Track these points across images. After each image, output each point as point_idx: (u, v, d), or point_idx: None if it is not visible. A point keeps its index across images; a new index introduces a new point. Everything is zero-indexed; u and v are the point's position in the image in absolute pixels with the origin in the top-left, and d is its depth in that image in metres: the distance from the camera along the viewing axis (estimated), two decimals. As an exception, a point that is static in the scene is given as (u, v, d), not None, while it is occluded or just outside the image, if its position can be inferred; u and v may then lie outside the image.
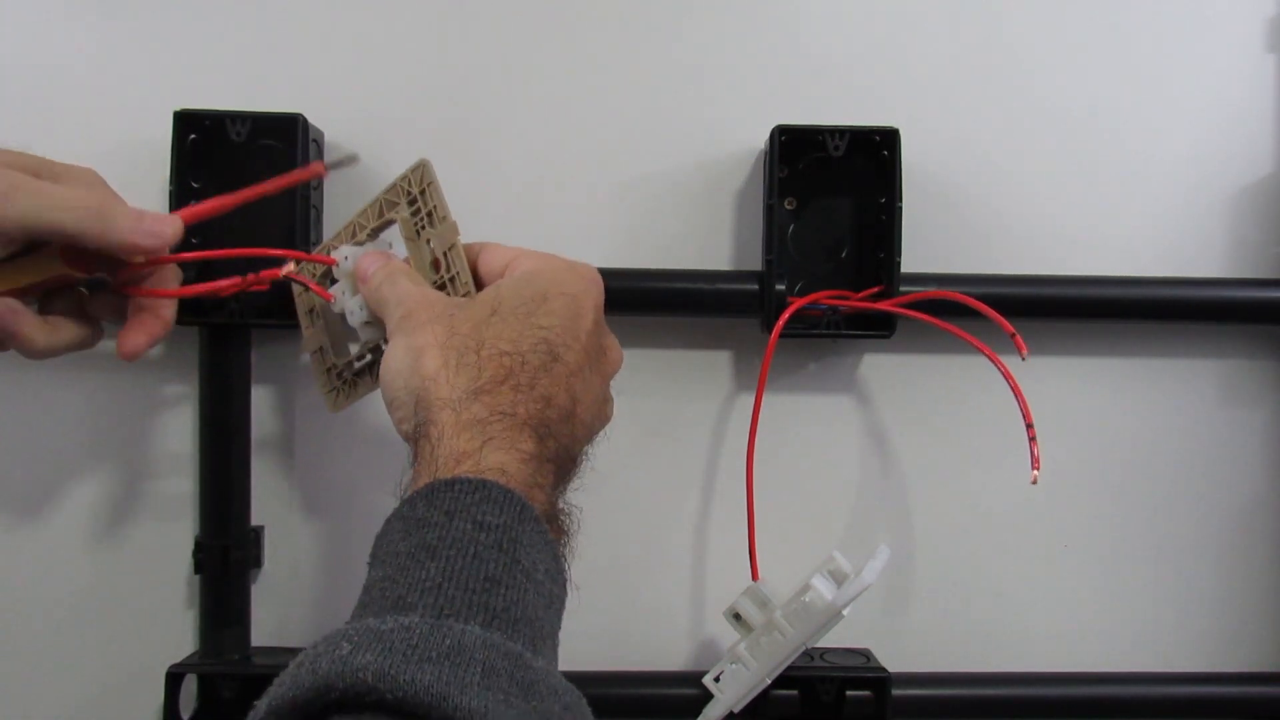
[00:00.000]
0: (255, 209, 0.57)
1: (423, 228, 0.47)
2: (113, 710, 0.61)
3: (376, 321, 0.47)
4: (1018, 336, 0.50)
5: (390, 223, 0.49)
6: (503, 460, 0.37)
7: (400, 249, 0.49)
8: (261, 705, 0.29)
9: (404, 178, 0.48)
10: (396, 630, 0.30)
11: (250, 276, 0.49)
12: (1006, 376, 0.52)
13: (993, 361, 0.52)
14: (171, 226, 0.46)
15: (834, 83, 0.61)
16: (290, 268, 0.48)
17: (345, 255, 0.48)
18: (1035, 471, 0.49)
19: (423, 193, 0.47)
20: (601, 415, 0.45)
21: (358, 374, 0.50)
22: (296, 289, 0.52)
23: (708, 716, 0.55)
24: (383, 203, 0.49)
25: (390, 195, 0.49)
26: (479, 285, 0.46)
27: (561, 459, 0.41)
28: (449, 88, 0.60)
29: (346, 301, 0.48)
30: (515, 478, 0.37)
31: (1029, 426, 0.50)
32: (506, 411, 0.38)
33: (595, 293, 0.45)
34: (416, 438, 0.39)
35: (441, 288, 0.46)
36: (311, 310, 0.52)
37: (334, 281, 0.50)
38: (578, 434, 0.42)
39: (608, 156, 0.61)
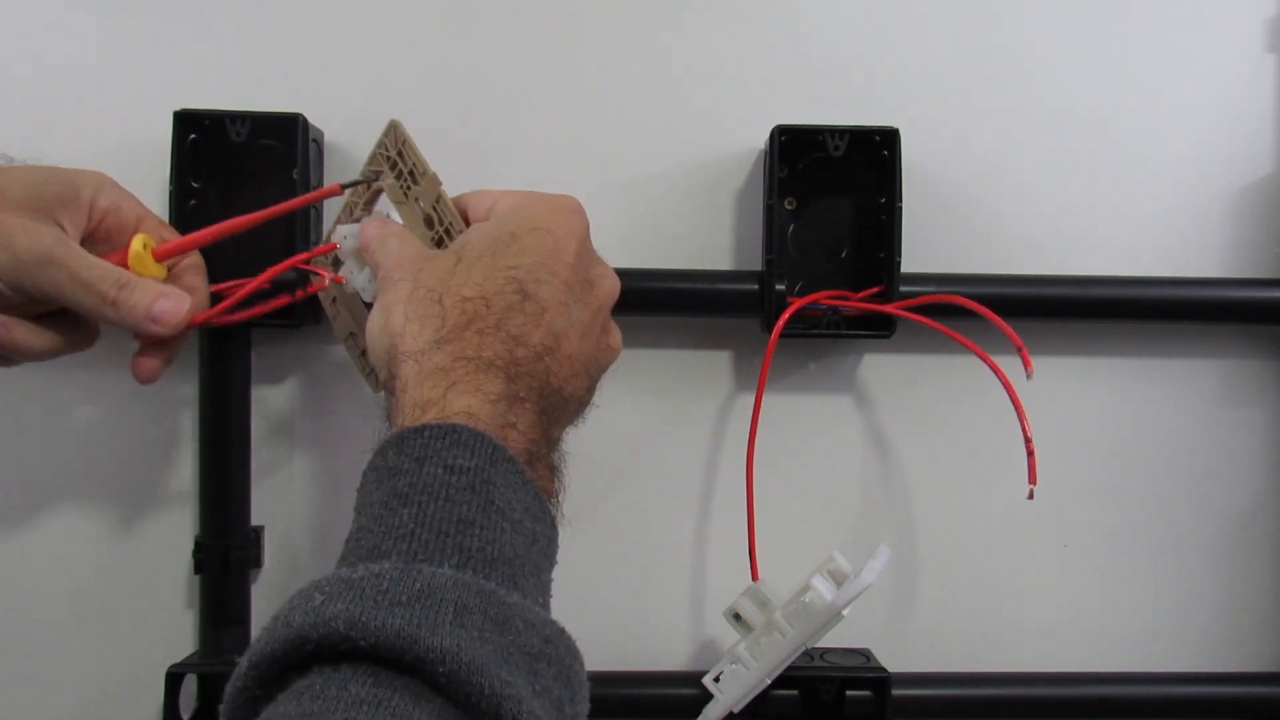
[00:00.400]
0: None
1: (408, 188, 0.47)
2: (113, 710, 0.61)
3: None
4: (1024, 350, 0.50)
5: (379, 192, 0.49)
6: (468, 404, 0.37)
7: (396, 217, 0.49)
8: (243, 662, 0.30)
9: (380, 144, 0.48)
10: (367, 578, 0.30)
11: (270, 303, 0.52)
12: (1008, 388, 0.51)
13: (995, 373, 0.52)
14: (185, 310, 0.47)
15: (834, 83, 0.61)
16: (323, 283, 0.50)
17: (344, 235, 0.49)
18: (1032, 486, 0.49)
19: (400, 153, 0.47)
20: (601, 348, 0.44)
21: None
22: (313, 280, 0.53)
23: (708, 716, 0.55)
24: (367, 177, 0.49)
25: (372, 166, 0.49)
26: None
27: (544, 396, 0.40)
28: (449, 87, 0.60)
29: (356, 279, 0.49)
30: (484, 420, 0.37)
31: (1027, 441, 0.50)
32: (470, 356, 0.38)
33: (576, 223, 0.44)
34: (387, 386, 0.41)
35: (440, 243, 0.46)
36: (335, 300, 0.53)
37: (340, 264, 0.51)
38: (561, 370, 0.41)
39: (608, 156, 0.61)
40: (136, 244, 0.47)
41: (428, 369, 0.38)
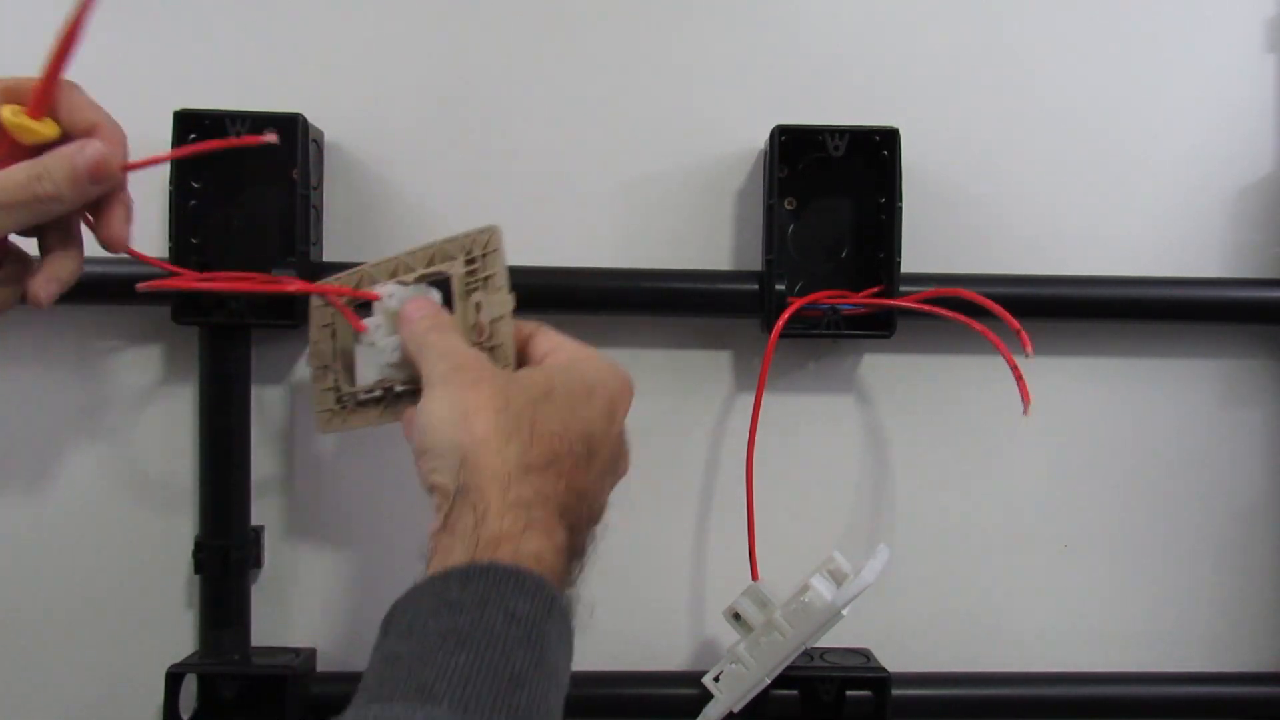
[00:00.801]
0: (255, 209, 0.58)
1: (474, 289, 0.47)
2: (113, 710, 0.61)
3: (405, 365, 0.46)
4: (1023, 332, 0.50)
5: (441, 274, 0.47)
6: (540, 548, 0.38)
7: (434, 298, 0.48)
8: None
9: (469, 235, 0.47)
10: None
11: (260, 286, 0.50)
12: (1004, 354, 0.52)
13: (992, 341, 0.52)
14: (107, 148, 0.44)
15: (834, 83, 0.61)
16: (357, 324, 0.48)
17: (390, 293, 0.47)
18: (1027, 402, 0.51)
19: (484, 256, 0.47)
20: (603, 516, 0.45)
21: (361, 404, 0.49)
22: (318, 303, 0.51)
23: (708, 716, 0.55)
24: (438, 252, 0.48)
25: (448, 246, 0.48)
26: (519, 365, 0.46)
27: (580, 553, 0.42)
28: (449, 87, 0.60)
29: (381, 338, 0.47)
30: (548, 566, 0.38)
31: (1015, 368, 0.52)
32: (550, 496, 0.39)
33: (628, 398, 0.46)
34: (455, 498, 0.39)
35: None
36: (328, 325, 0.51)
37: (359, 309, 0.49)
38: (593, 531, 0.43)
39: (608, 156, 0.61)
40: (6, 113, 0.43)
41: (512, 499, 0.38)
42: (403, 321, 0.46)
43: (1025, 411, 0.50)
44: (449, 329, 0.45)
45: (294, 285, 0.50)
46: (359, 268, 0.50)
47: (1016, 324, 0.50)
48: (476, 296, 0.46)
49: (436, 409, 0.41)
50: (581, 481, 0.41)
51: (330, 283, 0.50)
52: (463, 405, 0.40)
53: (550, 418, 0.41)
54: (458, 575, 0.36)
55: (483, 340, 0.46)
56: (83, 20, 0.44)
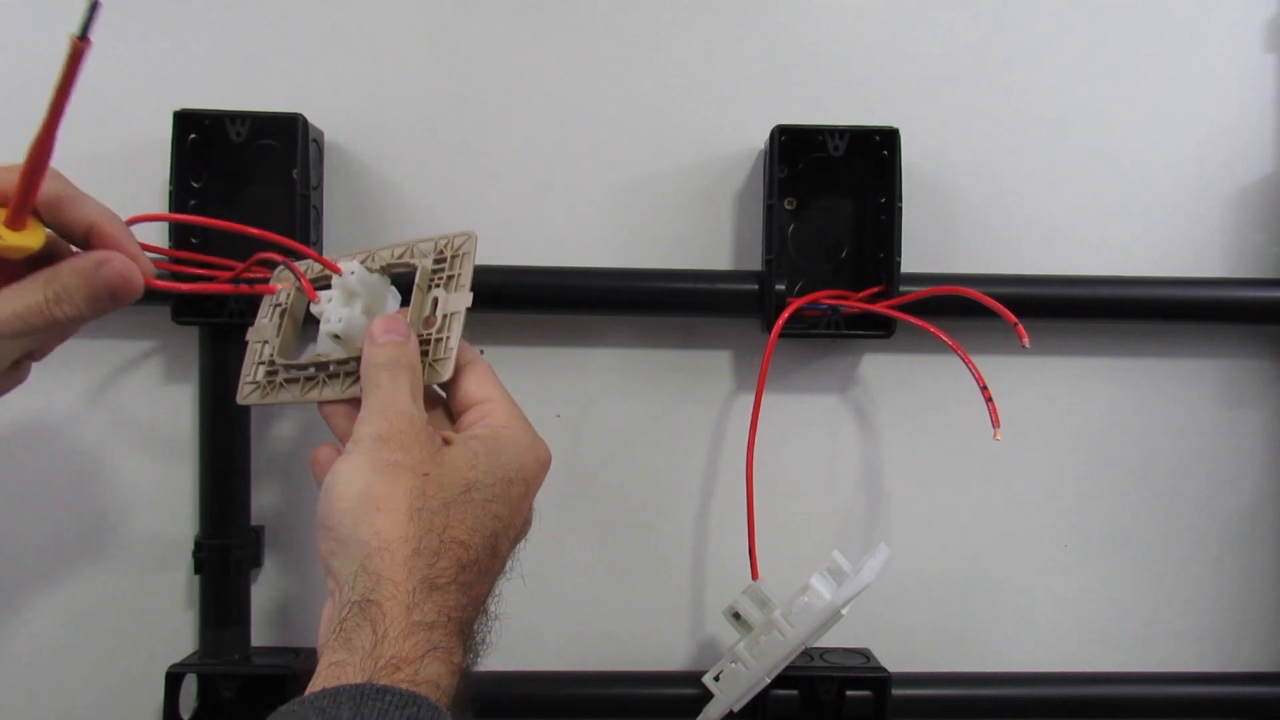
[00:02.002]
0: (255, 209, 0.58)
1: (436, 285, 0.47)
2: (113, 710, 0.61)
3: (347, 343, 0.45)
4: (1020, 325, 0.50)
5: (409, 268, 0.47)
6: (439, 673, 0.36)
7: (394, 295, 0.48)
8: None
9: (445, 237, 0.47)
10: None
11: (246, 287, 0.48)
12: (978, 379, 0.52)
13: (965, 362, 0.52)
14: (134, 266, 0.40)
15: (834, 83, 0.61)
16: (286, 280, 0.47)
17: (352, 270, 0.46)
18: (996, 428, 0.51)
19: (455, 257, 0.47)
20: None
21: (289, 380, 0.48)
22: (278, 278, 0.50)
23: (708, 716, 0.55)
24: (410, 248, 0.48)
25: (422, 245, 0.48)
26: (452, 397, 0.45)
27: (473, 650, 0.41)
28: (449, 87, 0.60)
29: (330, 309, 0.46)
30: (445, 692, 0.37)
31: (984, 389, 0.52)
32: (453, 616, 0.38)
33: (543, 476, 0.44)
34: (352, 607, 0.37)
35: (424, 343, 0.45)
36: (279, 305, 0.50)
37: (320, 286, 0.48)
38: (485, 619, 0.42)
39: (608, 157, 0.61)
40: None
41: (414, 620, 0.36)
42: (368, 337, 0.44)
43: (996, 436, 0.50)
44: (405, 374, 0.43)
45: (266, 253, 0.47)
46: (332, 255, 0.50)
47: (1014, 318, 0.50)
48: (436, 292, 0.46)
49: (348, 486, 0.39)
50: (482, 591, 0.40)
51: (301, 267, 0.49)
52: (375, 495, 0.38)
53: (461, 521, 0.39)
54: (350, 694, 0.34)
55: (430, 331, 0.45)
56: (62, 110, 0.38)
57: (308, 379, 0.47)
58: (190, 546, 0.59)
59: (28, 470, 0.60)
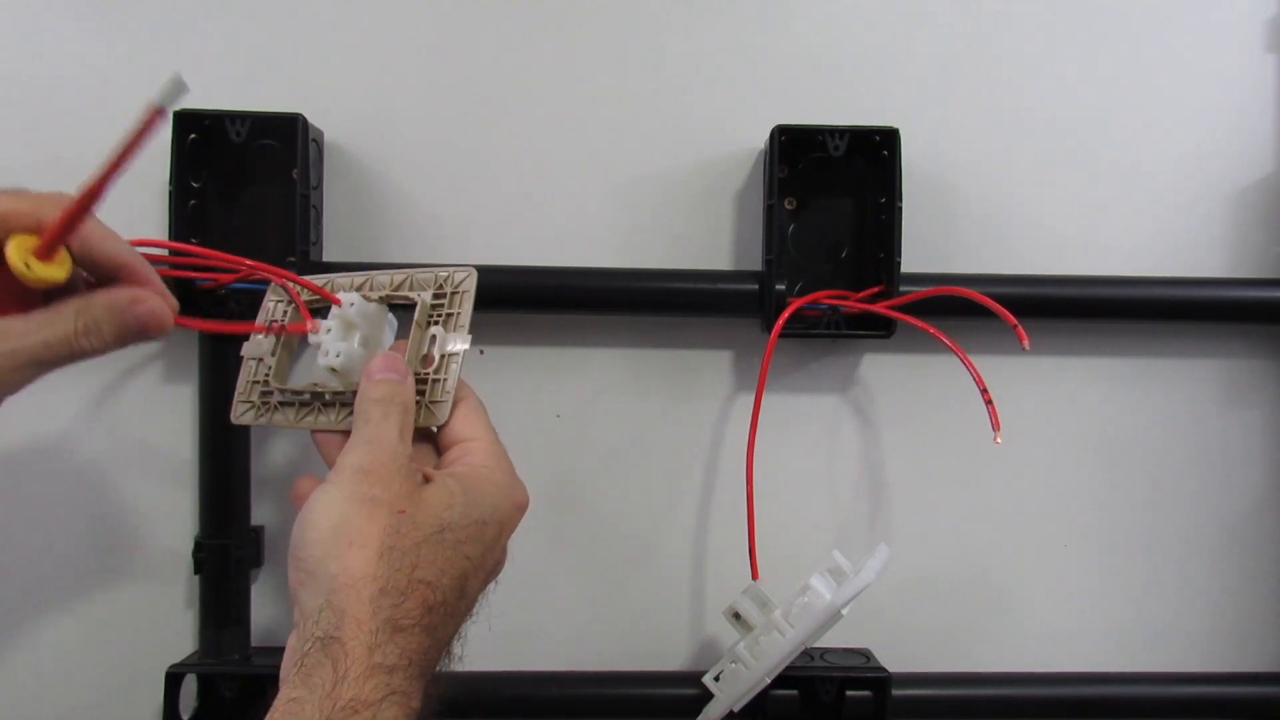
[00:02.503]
0: (255, 209, 0.58)
1: (435, 322, 0.46)
2: (113, 710, 0.61)
3: (343, 376, 0.45)
4: (1019, 327, 0.50)
5: (407, 301, 0.47)
6: (395, 717, 0.36)
7: (392, 322, 0.48)
8: None
9: (446, 270, 0.47)
10: None
11: (278, 326, 0.48)
12: (978, 380, 0.52)
13: (965, 364, 0.52)
14: (163, 303, 0.41)
15: (834, 83, 0.61)
16: (301, 326, 0.46)
17: (351, 302, 0.46)
18: (996, 432, 0.51)
19: (454, 295, 0.47)
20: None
21: (284, 404, 0.48)
22: (273, 299, 0.50)
23: (708, 716, 0.55)
24: (410, 279, 0.48)
25: (422, 276, 0.47)
26: (441, 431, 0.45)
27: (433, 690, 0.40)
28: (449, 87, 0.60)
29: (329, 341, 0.46)
30: None
31: (984, 392, 0.52)
32: (414, 660, 0.38)
33: (519, 519, 0.44)
34: (314, 642, 0.37)
35: (421, 383, 0.45)
36: (276, 321, 0.49)
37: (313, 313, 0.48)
38: (448, 658, 0.42)
39: (608, 157, 0.61)
40: (13, 254, 0.37)
41: (375, 662, 0.36)
42: (365, 373, 0.44)
43: (996, 440, 0.50)
44: (394, 411, 0.42)
45: (262, 270, 0.48)
46: (329, 276, 0.50)
47: (1013, 319, 0.50)
48: (435, 330, 0.46)
49: (323, 517, 0.39)
50: (446, 634, 0.40)
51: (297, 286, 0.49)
52: (349, 529, 0.38)
53: (431, 562, 0.39)
54: None
55: (428, 371, 0.45)
56: (122, 165, 0.39)
57: (303, 404, 0.47)
58: (190, 546, 0.59)
59: (29, 473, 0.60)
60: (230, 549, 0.58)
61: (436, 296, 0.47)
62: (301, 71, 0.60)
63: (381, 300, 0.48)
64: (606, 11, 0.61)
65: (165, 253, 0.54)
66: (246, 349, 0.49)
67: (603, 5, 0.61)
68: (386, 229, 0.60)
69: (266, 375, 0.48)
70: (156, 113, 0.37)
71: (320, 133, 0.59)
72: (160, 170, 0.56)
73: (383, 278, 0.48)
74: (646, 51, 0.61)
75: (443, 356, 0.45)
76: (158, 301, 0.41)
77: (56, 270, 0.38)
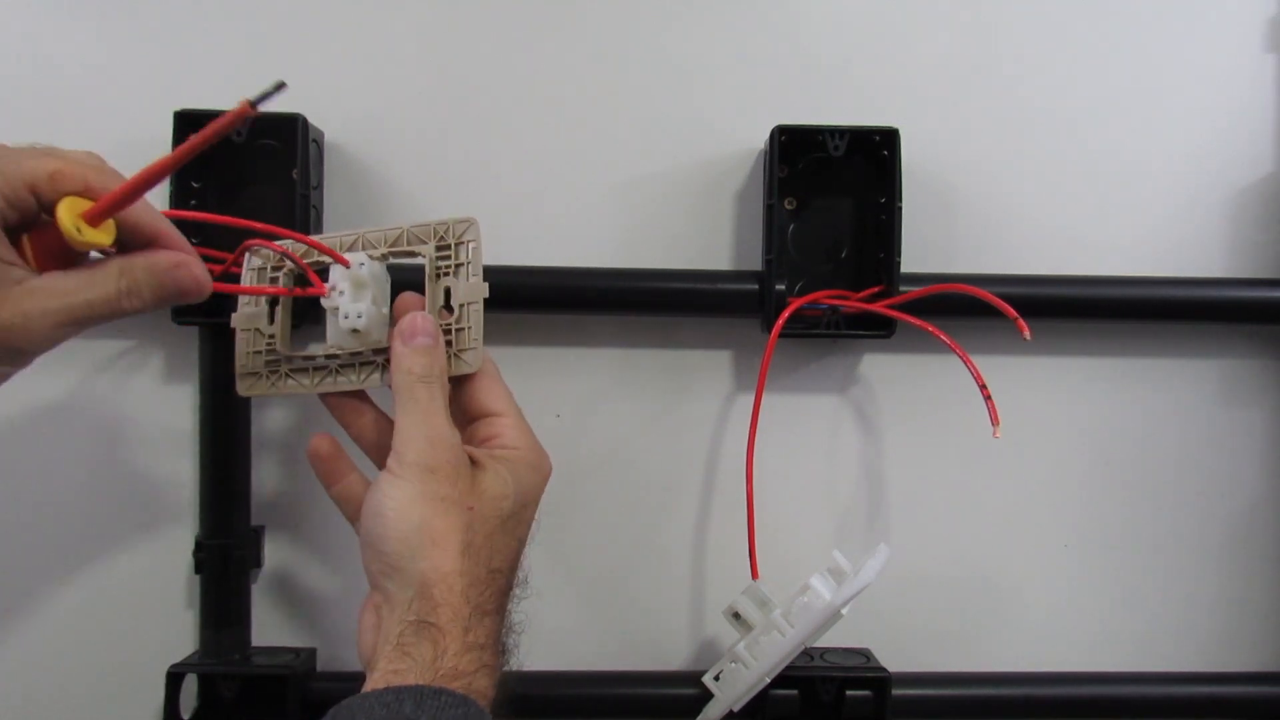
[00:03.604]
0: (255, 210, 0.58)
1: (445, 273, 0.46)
2: (113, 710, 0.61)
3: (366, 335, 0.45)
4: (1020, 320, 0.50)
5: (410, 254, 0.47)
6: (487, 686, 0.41)
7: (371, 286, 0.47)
8: None
9: (441, 223, 0.47)
10: None
11: (300, 289, 0.48)
12: (978, 379, 0.52)
13: (964, 361, 0.53)
14: (201, 269, 0.42)
15: (834, 83, 0.61)
16: (320, 289, 0.46)
17: (361, 262, 0.46)
18: (996, 427, 0.52)
19: (458, 245, 0.47)
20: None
21: (297, 369, 0.47)
22: (255, 265, 0.49)
23: (708, 716, 0.55)
24: (405, 234, 0.47)
25: (418, 231, 0.47)
26: (465, 397, 0.46)
27: (506, 662, 0.46)
28: (449, 87, 0.60)
29: (346, 304, 0.46)
30: (490, 703, 0.41)
31: (983, 387, 0.52)
32: (496, 638, 0.43)
33: (544, 489, 0.48)
34: (411, 627, 0.41)
35: (445, 332, 0.46)
36: (277, 301, 0.49)
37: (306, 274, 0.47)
38: (511, 632, 0.47)
39: (608, 156, 0.61)
40: (64, 216, 0.38)
41: (470, 641, 0.41)
42: (398, 336, 0.44)
43: (995, 434, 0.51)
44: (438, 388, 0.44)
45: (269, 230, 0.47)
46: (313, 237, 0.49)
47: (1014, 312, 0.51)
48: (446, 281, 0.46)
49: (403, 519, 0.42)
50: (510, 609, 0.46)
51: (290, 246, 0.48)
52: (430, 530, 0.42)
53: (499, 550, 0.44)
54: (412, 693, 0.38)
55: (449, 322, 0.46)
56: (197, 149, 0.40)
57: (317, 368, 0.47)
58: (190, 546, 0.59)
59: (28, 471, 0.60)
60: (230, 549, 0.58)
61: (440, 248, 0.47)
62: (301, 71, 0.60)
63: (384, 257, 0.48)
64: (606, 11, 0.61)
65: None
66: (238, 320, 0.49)
67: (603, 5, 0.61)
68: (386, 229, 0.60)
69: (269, 344, 0.48)
70: (250, 107, 0.38)
71: (320, 133, 0.59)
72: (160, 170, 0.56)
73: (375, 235, 0.48)
74: (646, 51, 0.61)
75: (461, 306, 0.45)
76: (200, 267, 0.42)
77: (104, 236, 0.40)
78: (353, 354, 0.46)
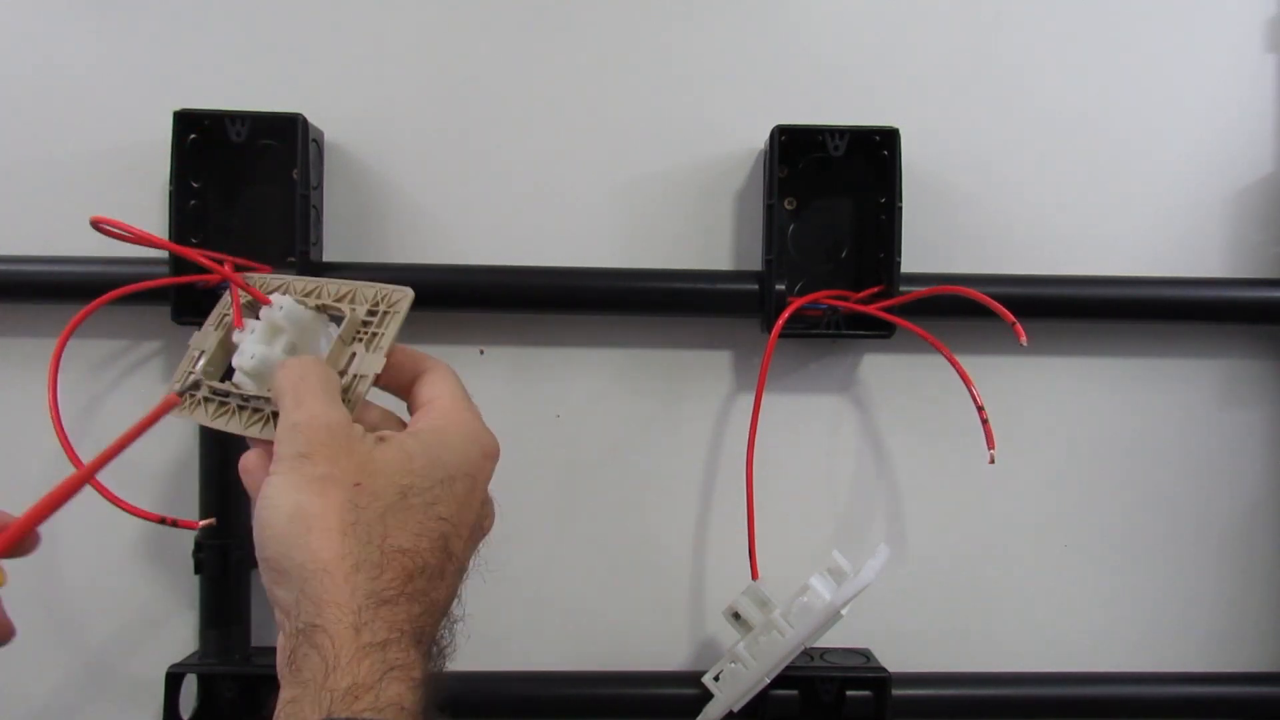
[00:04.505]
0: (255, 209, 0.58)
1: (359, 339, 0.44)
2: (113, 710, 0.61)
3: (258, 378, 0.43)
4: (1018, 324, 0.50)
5: (340, 313, 0.45)
6: (401, 693, 0.35)
7: (332, 332, 0.46)
8: None
9: (386, 290, 0.45)
10: None
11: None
12: (967, 383, 0.53)
13: (954, 367, 0.53)
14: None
15: (834, 83, 0.61)
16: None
17: (280, 305, 0.44)
18: (992, 451, 0.52)
19: (385, 314, 0.44)
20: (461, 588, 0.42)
21: (206, 399, 0.46)
22: (229, 294, 0.48)
23: (708, 716, 0.55)
24: (354, 292, 0.45)
25: (366, 291, 0.45)
26: (410, 403, 0.43)
27: (439, 653, 0.39)
28: (449, 87, 0.60)
29: (248, 343, 0.44)
30: (411, 710, 0.35)
31: (980, 410, 0.53)
32: (406, 630, 0.36)
33: (492, 465, 0.42)
34: (299, 636, 0.36)
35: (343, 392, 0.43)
36: (227, 316, 0.47)
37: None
38: (450, 623, 0.40)
39: (608, 157, 0.61)
40: None
41: (365, 642, 0.35)
42: (276, 366, 0.42)
43: (990, 460, 0.51)
44: (313, 382, 0.40)
45: (208, 273, 0.46)
46: (286, 277, 0.48)
47: (1011, 317, 0.51)
48: (356, 347, 0.44)
49: (276, 511, 0.37)
50: (438, 596, 0.38)
51: (253, 282, 0.47)
52: (305, 515, 0.36)
53: (403, 528, 0.37)
54: None
55: (348, 384, 0.43)
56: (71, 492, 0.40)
57: (221, 404, 0.45)
58: (190, 546, 0.59)
59: (28, 470, 0.60)
60: (230, 549, 0.58)
61: (370, 313, 0.44)
62: (301, 71, 0.60)
63: (318, 309, 0.45)
64: (607, 12, 0.61)
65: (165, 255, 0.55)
66: (193, 339, 0.48)
67: (603, 5, 0.61)
68: (386, 229, 0.60)
69: (204, 369, 0.46)
70: (176, 398, 0.42)
71: (320, 133, 0.59)
72: (160, 170, 0.56)
73: (332, 286, 0.46)
74: (646, 51, 0.61)
75: (355, 377, 0.43)
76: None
77: None
78: (251, 397, 0.43)
